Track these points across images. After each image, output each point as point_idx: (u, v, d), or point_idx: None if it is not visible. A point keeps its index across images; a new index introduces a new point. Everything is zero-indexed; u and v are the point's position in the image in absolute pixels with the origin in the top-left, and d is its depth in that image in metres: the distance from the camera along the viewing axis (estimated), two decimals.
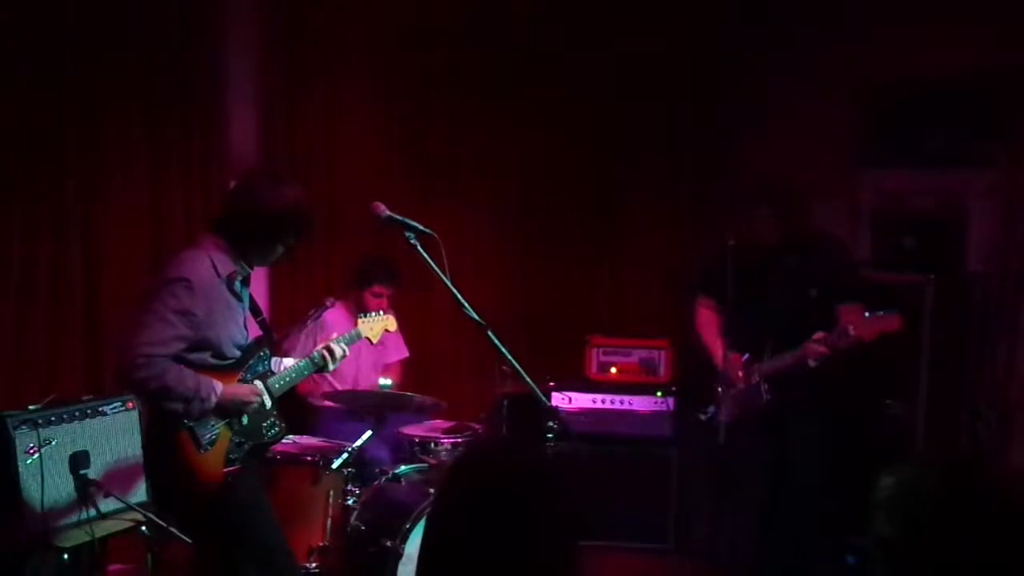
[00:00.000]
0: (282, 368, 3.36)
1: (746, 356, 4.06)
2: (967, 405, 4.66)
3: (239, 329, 3.18)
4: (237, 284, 3.13)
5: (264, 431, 3.26)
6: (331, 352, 3.39)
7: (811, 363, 3.83)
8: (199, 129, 4.66)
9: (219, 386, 3.05)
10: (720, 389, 4.07)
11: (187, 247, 3.12)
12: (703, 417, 4.16)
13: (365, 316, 3.78)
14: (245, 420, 3.18)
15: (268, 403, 3.24)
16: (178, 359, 2.95)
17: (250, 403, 3.16)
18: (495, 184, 5.53)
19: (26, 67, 4.02)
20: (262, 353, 3.26)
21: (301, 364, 3.36)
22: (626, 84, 5.44)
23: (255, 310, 3.31)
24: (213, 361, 3.08)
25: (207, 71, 4.72)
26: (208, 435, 3.08)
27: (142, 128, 4.46)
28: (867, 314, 3.77)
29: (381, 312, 3.84)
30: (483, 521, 1.62)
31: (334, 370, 4.73)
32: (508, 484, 1.66)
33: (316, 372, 3.45)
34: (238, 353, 3.17)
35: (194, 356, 3.02)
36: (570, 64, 5.45)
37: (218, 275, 3.04)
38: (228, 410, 3.11)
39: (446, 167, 5.49)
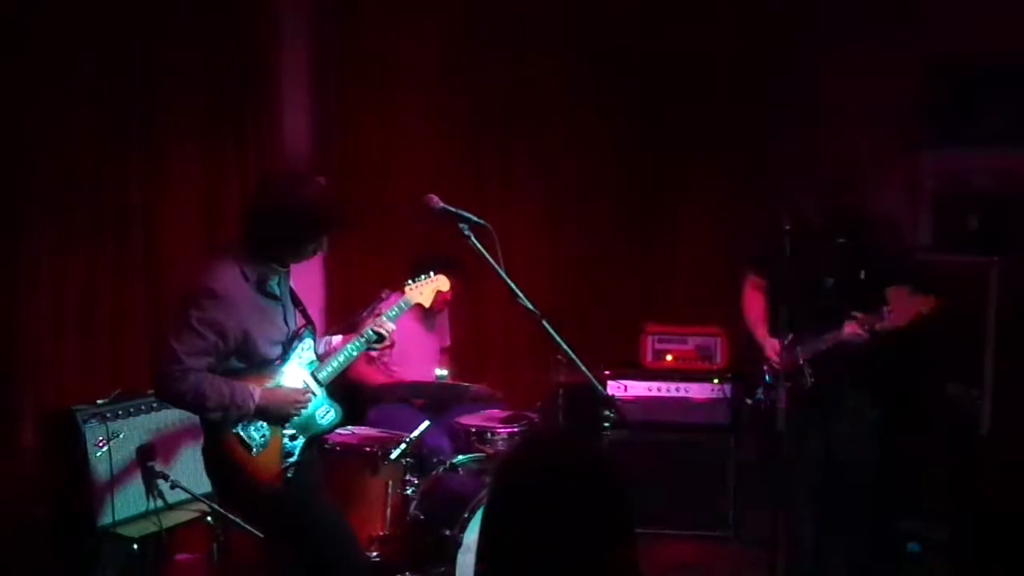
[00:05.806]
0: (330, 347, 3.31)
1: (788, 338, 3.99)
2: None
3: (278, 328, 3.12)
4: (271, 285, 3.08)
5: (318, 420, 3.22)
6: (381, 327, 3.31)
7: (853, 341, 3.74)
8: (252, 125, 4.72)
9: (256, 391, 3.00)
10: (766, 371, 4.02)
11: (215, 253, 3.08)
12: (749, 401, 4.10)
13: (412, 281, 3.63)
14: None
15: (319, 394, 3.20)
16: (211, 368, 2.93)
17: (299, 404, 3.10)
18: (549, 173, 5.53)
19: (88, 68, 4.10)
20: (303, 344, 3.20)
21: (350, 346, 3.28)
22: (679, 72, 5.39)
23: (295, 301, 3.24)
24: (241, 365, 3.03)
25: (261, 64, 4.77)
26: (258, 437, 3.05)
27: (196, 124, 4.53)
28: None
29: (431, 273, 3.69)
30: (538, 512, 1.63)
31: (394, 359, 4.81)
32: (562, 475, 1.67)
33: (368, 350, 3.39)
34: (279, 351, 3.13)
35: (227, 363, 2.99)
36: (623, 55, 5.41)
37: (246, 280, 3.00)
38: (271, 413, 3.05)
39: (500, 157, 5.49)
